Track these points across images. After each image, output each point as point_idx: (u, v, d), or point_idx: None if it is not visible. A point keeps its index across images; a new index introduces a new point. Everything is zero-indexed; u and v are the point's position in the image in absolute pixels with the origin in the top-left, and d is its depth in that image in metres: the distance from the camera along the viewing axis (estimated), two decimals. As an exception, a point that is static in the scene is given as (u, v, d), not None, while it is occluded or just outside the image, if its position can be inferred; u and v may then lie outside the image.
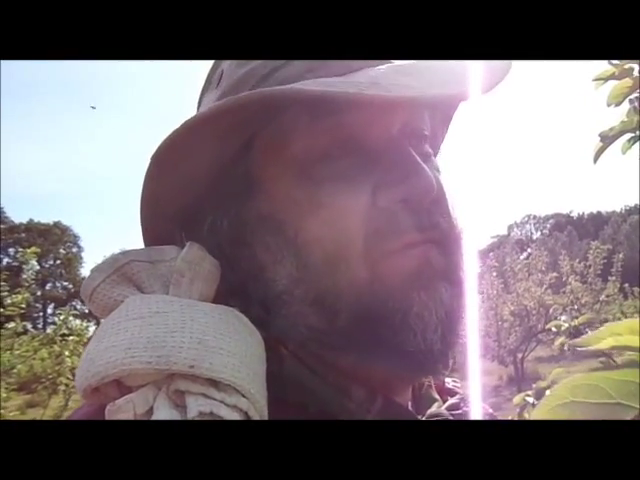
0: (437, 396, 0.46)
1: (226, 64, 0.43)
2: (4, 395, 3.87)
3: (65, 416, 4.30)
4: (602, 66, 0.88)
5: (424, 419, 0.42)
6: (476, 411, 0.44)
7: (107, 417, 0.31)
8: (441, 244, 0.38)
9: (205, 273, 0.37)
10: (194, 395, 0.30)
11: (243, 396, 0.31)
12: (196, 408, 0.30)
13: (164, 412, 0.30)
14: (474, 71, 0.36)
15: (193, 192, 0.40)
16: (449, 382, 0.49)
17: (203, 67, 0.48)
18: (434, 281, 0.38)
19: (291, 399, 0.37)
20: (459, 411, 0.44)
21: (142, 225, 0.42)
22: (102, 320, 0.34)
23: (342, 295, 0.37)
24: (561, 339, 1.77)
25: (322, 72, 0.38)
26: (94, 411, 0.33)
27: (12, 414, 3.97)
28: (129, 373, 0.30)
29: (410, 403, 0.44)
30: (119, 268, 0.36)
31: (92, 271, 0.36)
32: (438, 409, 0.44)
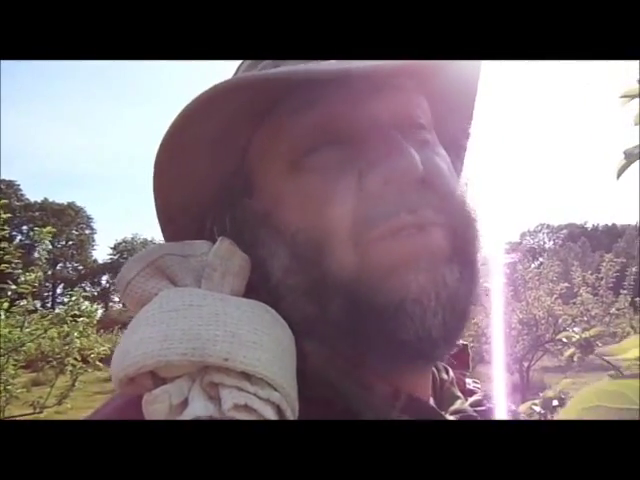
0: (459, 393, 0.46)
1: None
2: (12, 372, 3.92)
3: (71, 396, 4.37)
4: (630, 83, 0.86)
5: (447, 415, 0.42)
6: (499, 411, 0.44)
7: (143, 406, 0.31)
8: (448, 226, 0.38)
9: (236, 268, 0.38)
10: (228, 388, 0.31)
11: (275, 390, 0.31)
12: (230, 400, 0.30)
13: (199, 404, 0.30)
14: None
15: (199, 196, 0.42)
16: (470, 383, 0.49)
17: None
18: (435, 264, 0.36)
19: (315, 396, 0.36)
20: (483, 407, 0.44)
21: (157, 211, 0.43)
22: (135, 313, 0.34)
23: (332, 283, 0.36)
24: (571, 350, 1.76)
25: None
26: (125, 403, 0.34)
27: (19, 390, 4.02)
28: (165, 364, 0.30)
29: (432, 400, 0.44)
30: (153, 261, 0.36)
31: (126, 264, 0.36)
32: (461, 406, 0.43)
